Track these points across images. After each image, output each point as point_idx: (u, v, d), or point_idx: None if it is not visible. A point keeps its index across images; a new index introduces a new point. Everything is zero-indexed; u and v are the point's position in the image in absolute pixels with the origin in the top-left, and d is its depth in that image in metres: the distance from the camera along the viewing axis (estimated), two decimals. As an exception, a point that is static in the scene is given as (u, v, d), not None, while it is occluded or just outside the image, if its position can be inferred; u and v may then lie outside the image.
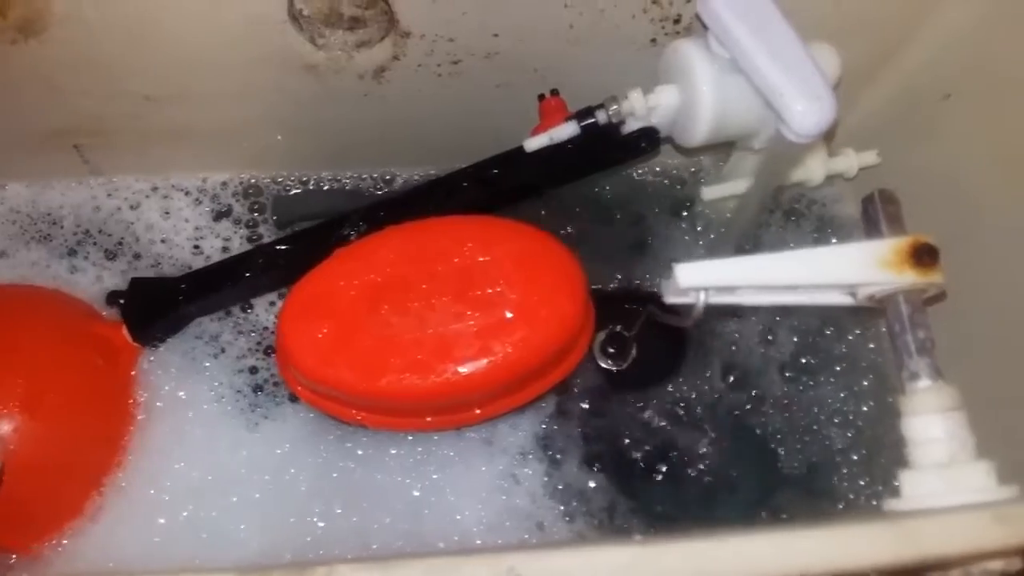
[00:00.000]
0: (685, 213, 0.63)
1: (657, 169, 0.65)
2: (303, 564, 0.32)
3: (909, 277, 0.43)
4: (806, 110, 0.45)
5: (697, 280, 0.43)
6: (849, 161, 0.59)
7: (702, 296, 0.44)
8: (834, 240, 0.62)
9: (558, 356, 0.48)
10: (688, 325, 0.44)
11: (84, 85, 0.55)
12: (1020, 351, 0.50)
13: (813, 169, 0.58)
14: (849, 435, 0.57)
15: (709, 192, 0.58)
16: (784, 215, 0.62)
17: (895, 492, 0.41)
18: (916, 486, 0.40)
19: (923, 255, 0.42)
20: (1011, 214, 0.52)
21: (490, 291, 0.47)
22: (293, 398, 0.56)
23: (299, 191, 0.64)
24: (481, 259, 0.48)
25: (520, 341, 0.46)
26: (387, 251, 0.49)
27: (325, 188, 0.64)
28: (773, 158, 0.49)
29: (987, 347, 0.53)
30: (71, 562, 0.52)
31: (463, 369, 0.46)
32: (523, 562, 0.32)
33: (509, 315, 0.46)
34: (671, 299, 0.44)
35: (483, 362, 0.46)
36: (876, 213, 0.46)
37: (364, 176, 0.64)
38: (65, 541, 0.52)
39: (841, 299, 0.46)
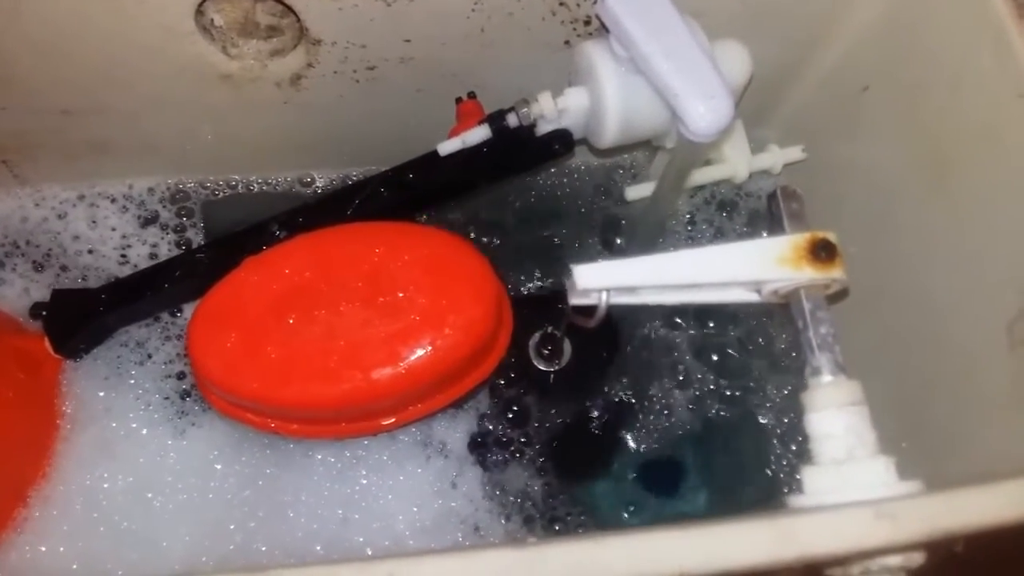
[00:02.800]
0: (609, 210, 0.63)
1: (583, 168, 0.65)
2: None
3: (808, 273, 0.42)
4: (702, 110, 0.45)
5: (596, 281, 0.43)
6: (773, 157, 0.59)
7: (603, 296, 0.44)
8: (764, 234, 0.62)
9: (472, 359, 0.48)
10: (591, 326, 0.44)
11: (2, 101, 0.55)
12: (931, 344, 0.50)
13: (737, 166, 0.59)
14: (783, 428, 0.58)
15: (633, 192, 0.58)
16: (717, 208, 0.62)
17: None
18: (815, 482, 0.40)
19: (820, 251, 0.42)
20: (927, 206, 0.52)
21: (399, 296, 0.47)
22: (213, 407, 0.56)
23: (227, 195, 0.63)
24: (390, 264, 0.48)
25: (429, 346, 0.46)
26: (296, 259, 0.48)
27: (254, 191, 0.63)
28: (678, 157, 0.49)
29: (903, 340, 0.53)
30: (-2, 573, 0.52)
31: (372, 375, 0.45)
32: (401, 568, 0.32)
33: (417, 319, 0.46)
34: (574, 300, 0.44)
35: (392, 368, 0.45)
36: (778, 210, 0.46)
37: (292, 179, 0.64)
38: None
39: (746, 296, 0.46)
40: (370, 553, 0.50)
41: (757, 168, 0.58)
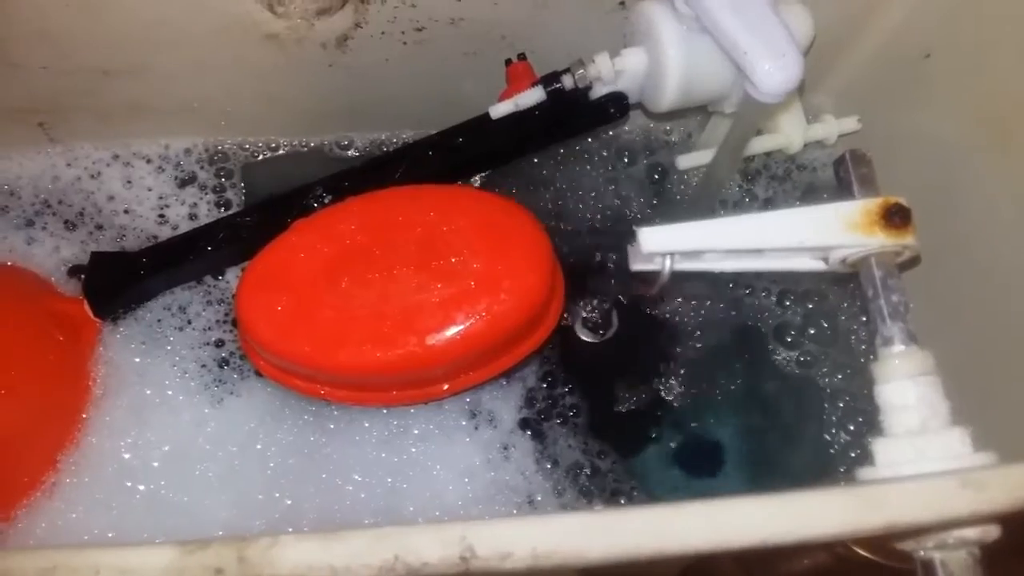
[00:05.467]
0: (657, 178, 0.61)
1: (632, 134, 0.63)
2: (246, 536, 0.31)
3: (880, 239, 0.41)
4: (772, 68, 0.43)
5: (661, 245, 0.42)
6: (828, 128, 0.57)
7: (667, 262, 0.43)
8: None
9: (526, 327, 0.47)
10: (654, 293, 0.43)
11: (41, 60, 0.53)
12: (1000, 315, 0.49)
13: (792, 136, 0.57)
14: (842, 404, 0.56)
15: (685, 160, 0.56)
16: (769, 180, 0.61)
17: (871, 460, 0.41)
18: (889, 454, 0.39)
19: (894, 216, 0.41)
20: (992, 175, 0.50)
21: (453, 261, 0.46)
22: (259, 372, 0.55)
23: (267, 156, 0.62)
24: (444, 228, 0.46)
25: (484, 312, 0.45)
26: (347, 222, 0.47)
27: (293, 153, 0.62)
28: (741, 120, 0.48)
29: (967, 311, 0.52)
30: (26, 537, 0.50)
31: (426, 341, 0.44)
32: (474, 531, 0.31)
33: (472, 285, 0.45)
34: (637, 266, 0.43)
35: (447, 333, 0.44)
36: (847, 174, 0.45)
37: (331, 141, 0.63)
38: (21, 516, 0.51)
39: (813, 264, 0.45)
40: (421, 522, 0.49)
41: (812, 138, 0.57)
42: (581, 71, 0.49)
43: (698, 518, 0.33)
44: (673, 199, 0.60)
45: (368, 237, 0.47)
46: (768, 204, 0.62)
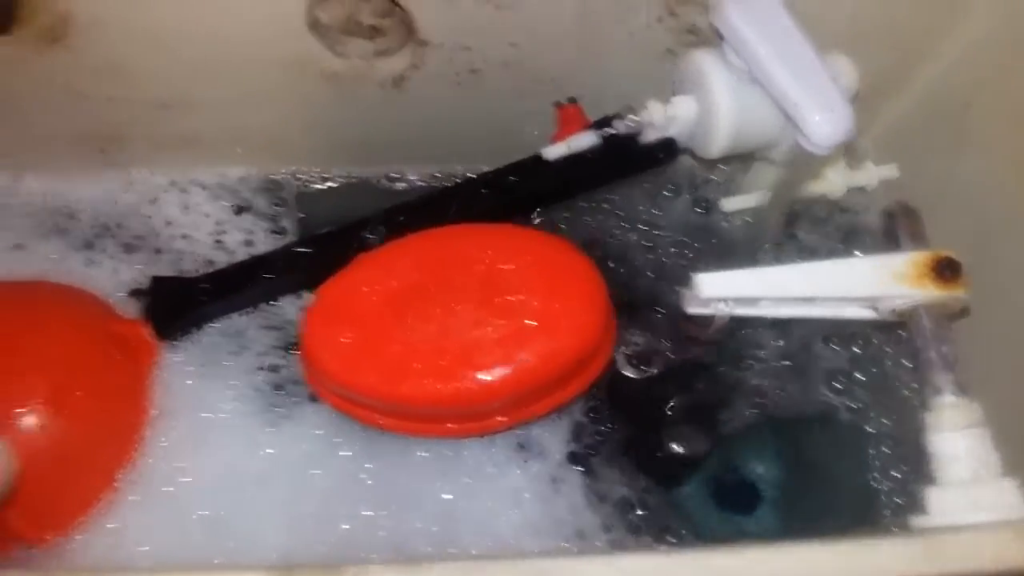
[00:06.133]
0: (700, 212, 0.63)
1: (674, 177, 0.65)
2: (333, 565, 0.32)
3: (930, 291, 0.43)
4: (822, 120, 0.45)
5: (718, 291, 0.43)
6: (869, 174, 0.59)
7: (722, 307, 0.44)
8: (857, 252, 0.61)
9: (580, 365, 0.48)
10: (709, 336, 0.45)
11: (106, 91, 0.56)
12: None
13: (833, 182, 0.59)
14: (891, 450, 0.57)
15: (729, 203, 0.58)
16: (810, 224, 0.62)
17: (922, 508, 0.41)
18: (941, 503, 0.40)
19: (945, 269, 0.43)
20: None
21: (511, 299, 0.47)
22: (313, 398, 0.56)
23: (320, 186, 0.64)
24: (502, 267, 0.48)
25: (541, 349, 0.46)
26: (410, 258, 0.49)
27: (345, 184, 0.64)
28: (791, 169, 0.50)
29: (1014, 362, 0.53)
30: (84, 555, 0.51)
31: (485, 376, 0.46)
32: (555, 568, 0.32)
33: (530, 323, 0.47)
34: (692, 309, 0.45)
35: (505, 369, 0.46)
36: (896, 227, 0.46)
37: (381, 173, 0.64)
38: (78, 532, 0.52)
39: (863, 313, 0.47)
40: (475, 553, 0.50)
41: (853, 185, 0.59)
42: (633, 117, 0.51)
43: (763, 563, 0.34)
44: (717, 238, 0.62)
45: (430, 273, 0.48)
46: (809, 247, 0.63)
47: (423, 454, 0.54)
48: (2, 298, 0.55)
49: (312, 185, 0.64)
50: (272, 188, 0.63)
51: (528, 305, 0.47)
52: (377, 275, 0.49)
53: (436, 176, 0.65)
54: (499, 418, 0.49)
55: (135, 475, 0.54)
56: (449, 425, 0.49)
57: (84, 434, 0.52)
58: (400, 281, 0.48)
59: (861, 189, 0.61)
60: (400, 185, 0.65)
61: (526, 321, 0.47)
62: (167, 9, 0.49)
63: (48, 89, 0.55)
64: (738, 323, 0.53)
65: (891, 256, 0.44)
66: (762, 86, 0.46)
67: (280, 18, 0.50)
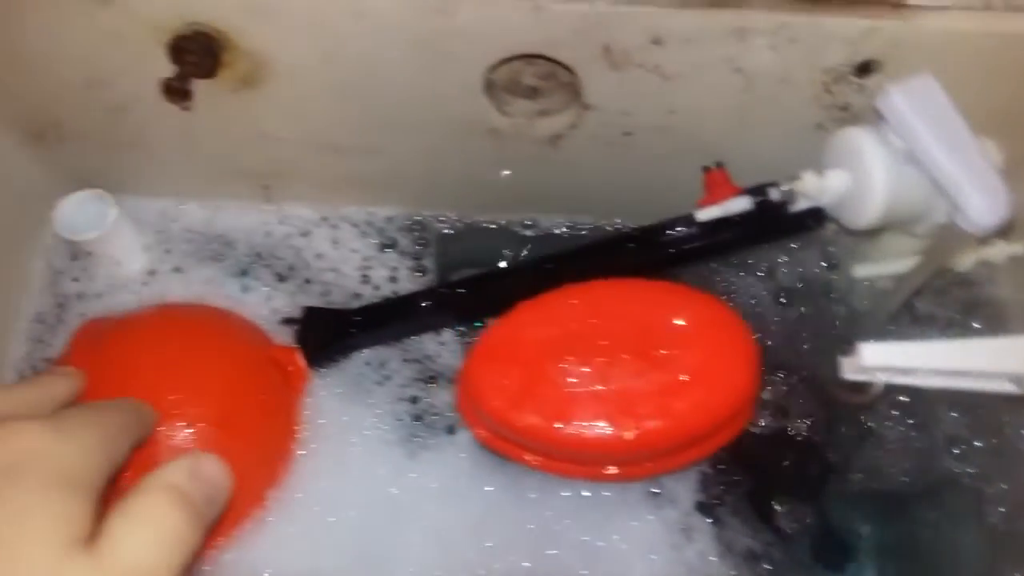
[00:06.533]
0: (825, 281, 0.65)
1: (793, 244, 0.67)
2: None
3: (1085, 374, 0.45)
4: (983, 204, 0.47)
5: (881, 360, 0.45)
6: (998, 250, 0.61)
7: (882, 376, 0.47)
8: (975, 324, 0.64)
9: (728, 420, 0.51)
10: (865, 403, 0.47)
11: (287, 132, 0.60)
12: None
13: (963, 256, 0.61)
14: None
15: (862, 270, 0.60)
16: (930, 294, 0.64)
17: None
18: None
19: (1101, 354, 0.45)
20: None
21: (668, 353, 0.50)
22: (450, 430, 0.59)
23: (459, 229, 0.67)
24: (660, 321, 0.51)
25: (697, 403, 0.49)
26: (569, 307, 0.52)
27: (483, 228, 0.67)
28: (942, 245, 0.52)
29: None
30: (235, 566, 0.54)
31: (642, 425, 0.48)
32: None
33: (686, 378, 0.49)
34: (850, 376, 0.47)
35: (661, 420, 0.48)
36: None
37: (519, 221, 0.68)
38: (226, 548, 0.55)
39: (1007, 388, 0.48)
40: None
41: (982, 259, 0.61)
42: (789, 187, 0.53)
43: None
44: (839, 301, 0.64)
45: (588, 322, 0.51)
46: (926, 316, 0.65)
47: (564, 493, 0.56)
48: (175, 317, 0.59)
49: (452, 228, 0.67)
50: (416, 228, 0.67)
51: (685, 360, 0.50)
52: (539, 320, 0.51)
53: (568, 226, 0.68)
54: (647, 465, 0.51)
55: (285, 496, 0.56)
56: (599, 470, 0.51)
57: (244, 454, 0.55)
58: (560, 328, 0.51)
59: (986, 263, 0.63)
60: (531, 232, 0.68)
61: (682, 375, 0.49)
62: (359, 66, 0.53)
63: (231, 127, 0.59)
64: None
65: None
66: (921, 166, 0.49)
67: (464, 81, 0.54)
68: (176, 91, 0.53)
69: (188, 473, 0.38)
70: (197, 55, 0.52)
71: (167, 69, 0.52)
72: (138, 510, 0.35)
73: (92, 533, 0.34)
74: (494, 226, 0.67)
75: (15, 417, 0.38)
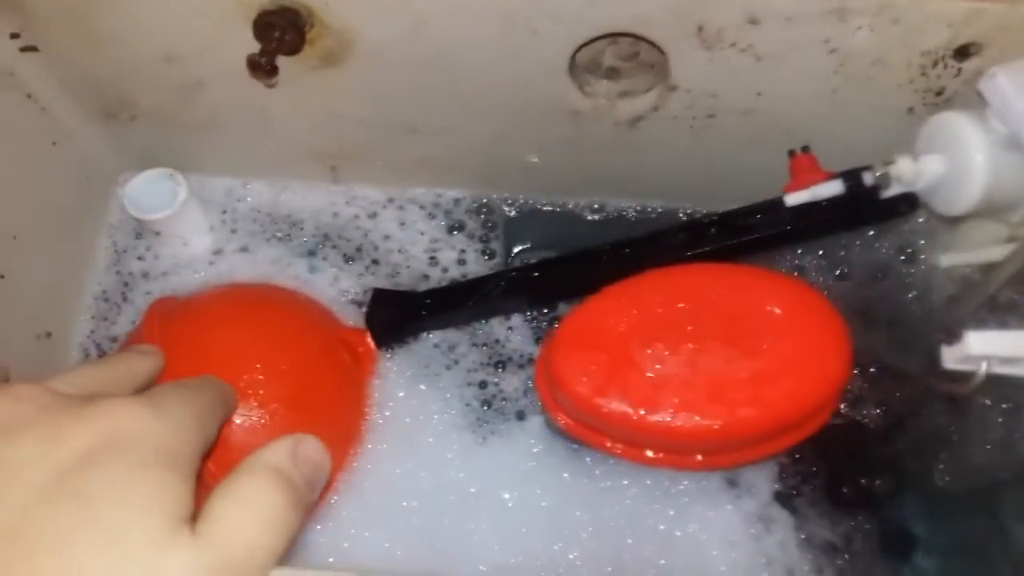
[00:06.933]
0: (904, 259, 0.63)
1: (871, 231, 0.65)
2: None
3: None
4: (1094, 192, 0.46)
5: (988, 349, 0.44)
6: (1088, 239, 0.59)
7: (984, 365, 0.45)
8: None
9: (818, 410, 0.49)
10: (965, 392, 0.45)
11: (364, 113, 0.58)
12: None
13: (1049, 244, 0.59)
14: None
15: (947, 259, 0.59)
16: (1013, 280, 0.62)
17: None
18: None
19: None
20: None
21: (760, 340, 0.48)
22: (520, 416, 0.58)
23: (526, 212, 0.66)
24: (750, 308, 0.49)
25: (789, 392, 0.47)
26: (655, 292, 0.50)
27: (550, 212, 0.66)
28: (1042, 235, 0.50)
29: None
30: (306, 549, 0.54)
31: (733, 414, 0.47)
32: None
33: (779, 366, 0.48)
34: (951, 365, 0.45)
35: (753, 409, 0.47)
36: None
37: (586, 205, 0.67)
38: (301, 531, 0.54)
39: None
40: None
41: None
42: (883, 171, 0.52)
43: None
44: (919, 287, 0.63)
45: (675, 308, 0.50)
46: (1003, 306, 0.64)
47: (640, 482, 0.55)
48: (246, 298, 0.58)
49: (520, 210, 0.66)
50: (484, 211, 0.66)
51: (776, 347, 0.48)
52: (623, 305, 0.50)
53: (636, 210, 0.67)
54: (734, 455, 0.50)
55: (352, 478, 0.56)
56: (684, 458, 0.50)
57: (315, 434, 0.54)
58: (646, 314, 0.50)
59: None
60: (598, 217, 0.67)
61: (777, 363, 0.48)
62: (445, 44, 0.52)
63: (308, 106, 0.58)
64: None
65: None
66: (1025, 151, 0.47)
67: (549, 61, 0.52)
68: (262, 68, 0.52)
69: (290, 454, 0.37)
70: (282, 31, 0.51)
71: (250, 45, 0.51)
72: (241, 490, 0.35)
73: (193, 512, 0.34)
74: (560, 210, 0.66)
75: (105, 395, 0.37)
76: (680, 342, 0.49)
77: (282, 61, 0.54)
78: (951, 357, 0.45)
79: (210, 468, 0.46)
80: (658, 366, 0.48)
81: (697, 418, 0.47)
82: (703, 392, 0.48)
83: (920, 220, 0.65)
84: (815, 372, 0.48)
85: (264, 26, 0.52)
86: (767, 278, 0.51)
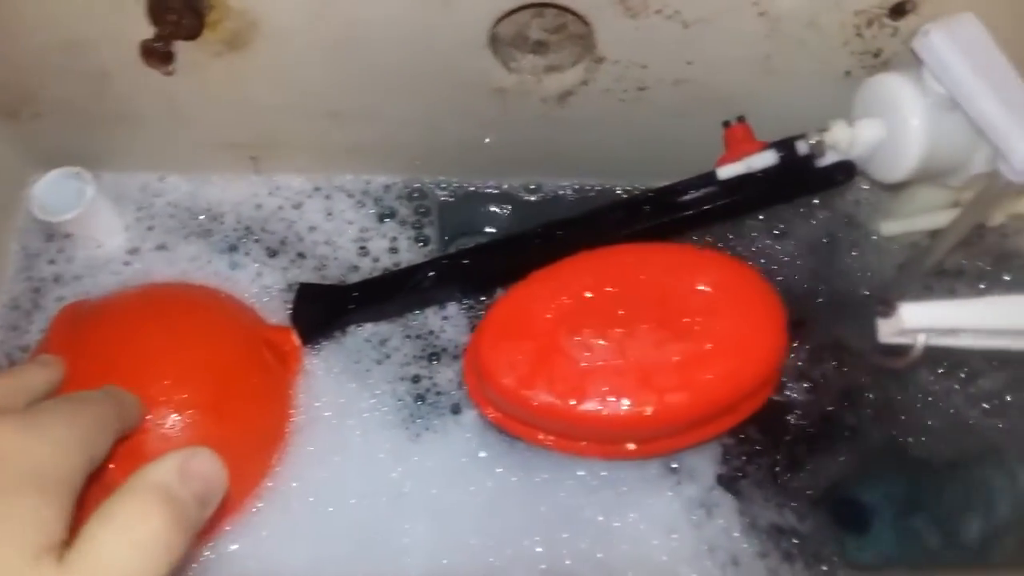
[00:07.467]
0: (847, 241, 0.62)
1: (816, 200, 0.63)
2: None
3: None
4: (1032, 151, 0.44)
5: (922, 321, 0.42)
6: (1034, 202, 0.58)
7: (922, 338, 0.43)
8: (1006, 276, 0.60)
9: (754, 390, 0.47)
10: (902, 367, 0.43)
11: (278, 99, 0.55)
12: None
13: (996, 209, 0.57)
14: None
15: (890, 227, 0.57)
16: (962, 246, 0.59)
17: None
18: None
19: None
20: None
21: (691, 321, 0.46)
22: (455, 410, 0.56)
23: (461, 195, 0.63)
24: (681, 288, 0.47)
25: (723, 373, 0.45)
26: (584, 275, 0.48)
27: (485, 194, 0.64)
28: (983, 197, 0.48)
29: None
30: (227, 562, 0.51)
31: (664, 399, 0.45)
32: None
33: (711, 346, 0.46)
34: (887, 339, 0.44)
35: (685, 393, 0.45)
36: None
37: (522, 185, 0.64)
38: (223, 540, 0.51)
39: (1054, 347, 0.45)
40: (631, 576, 0.49)
41: (1014, 211, 0.57)
42: (818, 139, 0.50)
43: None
44: (864, 257, 0.61)
45: (605, 292, 0.47)
46: (953, 272, 0.62)
47: (577, 473, 0.53)
48: (161, 299, 0.55)
49: (453, 194, 0.63)
50: (416, 196, 0.63)
51: (710, 327, 0.46)
52: (551, 291, 0.48)
53: (574, 189, 0.64)
54: (667, 441, 0.48)
55: (276, 483, 0.53)
56: (616, 447, 0.48)
57: (236, 440, 0.52)
58: (575, 299, 0.47)
59: (1019, 216, 0.60)
60: (536, 196, 0.64)
61: (707, 344, 0.46)
62: (355, 23, 0.49)
63: (217, 95, 0.55)
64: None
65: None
66: (964, 113, 0.45)
67: (467, 36, 0.50)
68: (156, 54, 0.49)
69: (178, 470, 0.34)
70: (179, 14, 0.48)
71: (148, 31, 0.48)
72: (118, 513, 0.32)
73: (66, 538, 0.31)
74: (496, 192, 0.64)
75: None
76: (610, 327, 0.47)
77: (183, 47, 0.51)
78: (887, 331, 0.43)
79: (120, 483, 0.43)
80: (587, 353, 0.46)
81: (628, 405, 0.45)
82: (633, 378, 0.45)
83: (866, 187, 0.64)
84: (749, 351, 0.46)
85: (160, 9, 0.48)
86: (698, 256, 0.49)
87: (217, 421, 0.50)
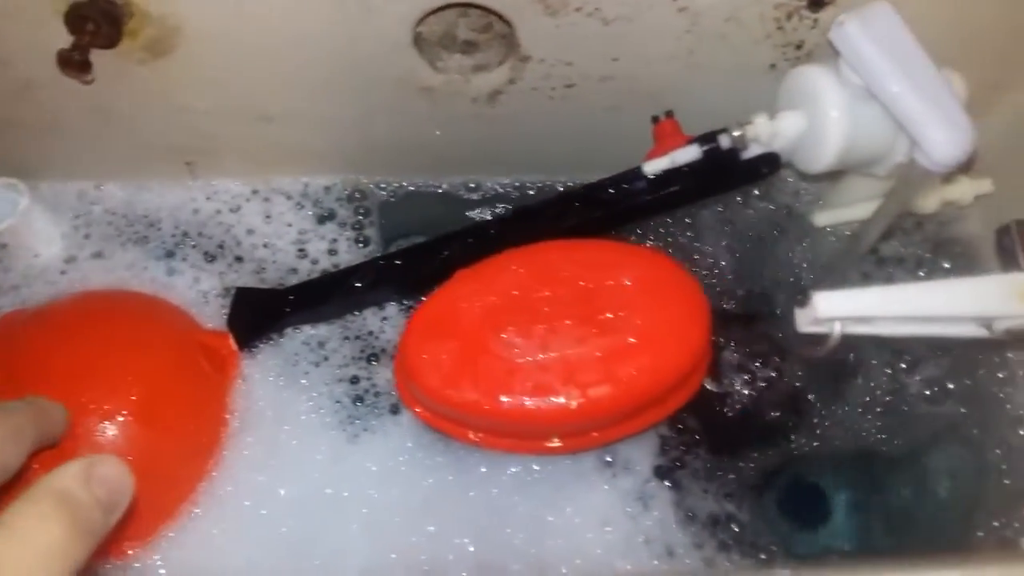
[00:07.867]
0: (784, 231, 0.62)
1: (756, 192, 0.64)
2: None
3: (1054, 313, 0.42)
4: (946, 139, 0.44)
5: (836, 310, 0.42)
6: (963, 189, 0.58)
7: (837, 327, 0.43)
8: (945, 264, 0.61)
9: (681, 381, 0.48)
10: (821, 355, 0.44)
11: (207, 104, 0.55)
12: None
13: (928, 196, 0.58)
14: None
15: (823, 218, 0.57)
16: (900, 235, 0.61)
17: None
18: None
19: (1071, 292, 0.42)
20: None
21: (613, 316, 0.46)
22: (394, 410, 0.56)
23: (402, 196, 0.64)
24: (604, 283, 0.47)
25: (645, 366, 0.45)
26: (509, 273, 0.48)
27: (426, 193, 0.64)
28: (904, 186, 0.49)
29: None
30: (162, 568, 0.51)
31: (587, 393, 0.45)
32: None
33: (634, 340, 0.46)
34: (805, 328, 0.44)
35: (608, 387, 0.45)
36: (1012, 245, 0.45)
37: (462, 184, 0.64)
38: (157, 544, 0.51)
39: (976, 332, 0.45)
40: (565, 572, 0.49)
41: (947, 199, 0.58)
42: (739, 132, 0.50)
43: None
44: (803, 248, 0.61)
45: (529, 289, 0.48)
46: (894, 259, 0.62)
47: (512, 469, 0.53)
48: (93, 307, 0.55)
49: (394, 194, 0.64)
50: (357, 197, 0.63)
51: (631, 321, 0.46)
52: (476, 290, 0.48)
53: (515, 186, 0.65)
54: (594, 435, 0.48)
55: (215, 487, 0.53)
56: (544, 443, 0.48)
57: (169, 446, 0.52)
58: (500, 297, 0.48)
59: (953, 203, 0.60)
60: (477, 195, 0.65)
61: (629, 338, 0.46)
62: (277, 25, 0.49)
63: (145, 102, 0.55)
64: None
65: (1012, 276, 0.43)
66: (880, 103, 0.45)
67: (391, 35, 0.50)
68: (72, 63, 0.48)
69: (81, 477, 0.33)
70: (96, 23, 0.48)
71: (68, 40, 0.48)
72: (16, 521, 0.31)
73: None
74: (439, 191, 0.64)
75: None
76: (534, 323, 0.47)
77: (106, 55, 0.50)
78: (803, 320, 0.44)
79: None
80: (513, 350, 0.46)
81: (552, 401, 0.45)
82: (557, 374, 0.45)
83: (800, 180, 0.64)
84: (670, 345, 0.46)
85: (77, 19, 0.48)
86: (621, 251, 0.49)
87: (149, 427, 0.50)
